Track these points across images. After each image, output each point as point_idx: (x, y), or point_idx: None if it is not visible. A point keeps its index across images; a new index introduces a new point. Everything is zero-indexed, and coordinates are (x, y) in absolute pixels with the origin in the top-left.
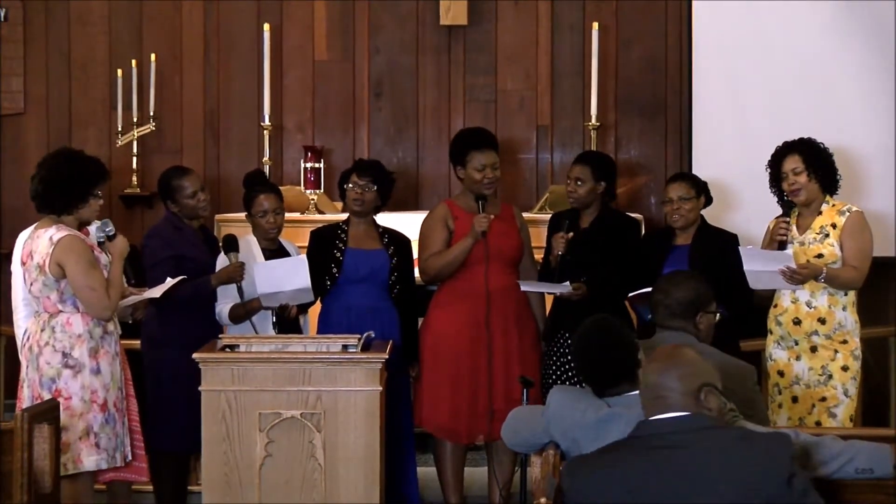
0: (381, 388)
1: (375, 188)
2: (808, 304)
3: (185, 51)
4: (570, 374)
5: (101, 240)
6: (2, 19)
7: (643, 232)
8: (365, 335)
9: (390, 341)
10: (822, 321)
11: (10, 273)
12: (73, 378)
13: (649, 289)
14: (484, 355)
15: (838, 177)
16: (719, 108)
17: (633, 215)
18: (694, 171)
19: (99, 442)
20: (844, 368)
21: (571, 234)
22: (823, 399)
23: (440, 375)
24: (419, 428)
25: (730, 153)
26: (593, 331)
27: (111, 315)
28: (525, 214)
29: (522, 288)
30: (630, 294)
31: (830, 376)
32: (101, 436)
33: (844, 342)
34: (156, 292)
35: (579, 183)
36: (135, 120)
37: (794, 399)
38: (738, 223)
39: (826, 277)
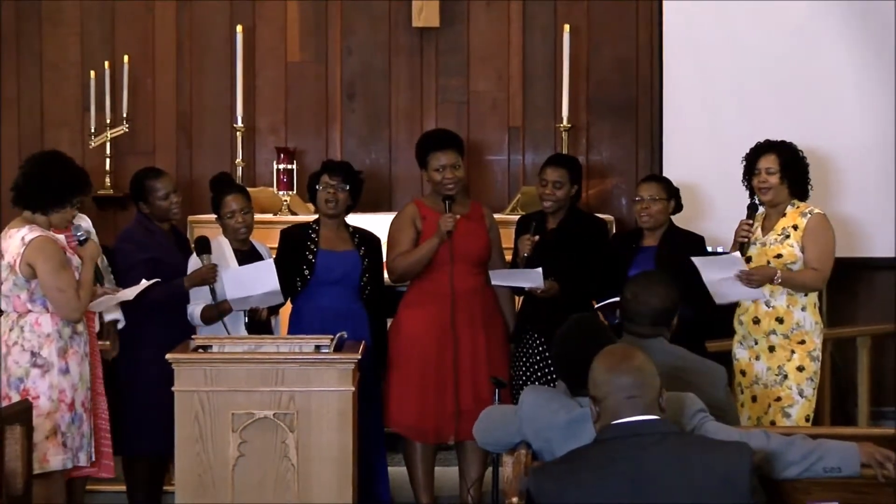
0: (353, 389)
1: (348, 188)
2: (767, 304)
3: (157, 52)
4: (538, 374)
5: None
6: None
7: (612, 233)
8: (337, 336)
9: (363, 342)
10: (779, 321)
11: None
12: (41, 377)
13: (616, 299)
14: (450, 356)
15: (809, 185)
16: (690, 110)
17: (602, 216)
18: (665, 173)
19: (65, 441)
20: (800, 369)
21: (538, 237)
22: (779, 399)
23: (408, 376)
24: (389, 428)
25: (700, 155)
26: (574, 330)
27: (80, 316)
28: (497, 215)
29: (494, 281)
30: (597, 305)
31: (786, 376)
32: (68, 435)
33: (802, 342)
34: (129, 294)
35: (558, 186)
36: (108, 121)
37: (754, 398)
38: (708, 225)
39: (783, 280)
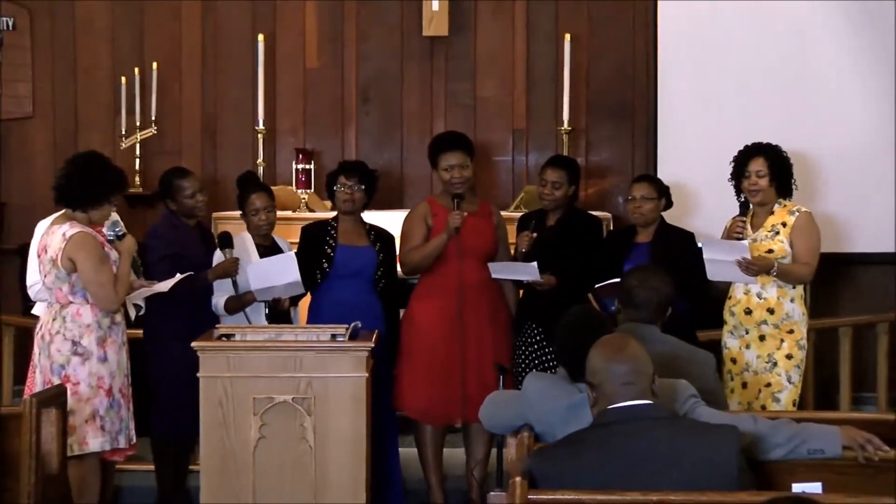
0: (367, 375)
1: (363, 187)
2: (759, 296)
3: (183, 58)
4: (536, 361)
5: (111, 238)
6: (9, 28)
7: (609, 230)
8: (352, 325)
9: (376, 331)
10: (770, 311)
11: (15, 267)
12: (81, 365)
13: (616, 280)
14: (458, 345)
15: (794, 184)
16: (684, 113)
17: (597, 214)
18: (659, 173)
19: (104, 425)
20: (789, 356)
21: (535, 234)
22: (768, 385)
23: (418, 363)
24: (400, 412)
25: (693, 156)
26: (576, 320)
27: (117, 308)
28: (501, 213)
29: (493, 274)
30: (596, 286)
31: (776, 364)
32: (107, 419)
33: (791, 332)
34: (164, 286)
35: (556, 186)
36: (137, 124)
37: (744, 385)
38: (700, 224)
39: (778, 272)
